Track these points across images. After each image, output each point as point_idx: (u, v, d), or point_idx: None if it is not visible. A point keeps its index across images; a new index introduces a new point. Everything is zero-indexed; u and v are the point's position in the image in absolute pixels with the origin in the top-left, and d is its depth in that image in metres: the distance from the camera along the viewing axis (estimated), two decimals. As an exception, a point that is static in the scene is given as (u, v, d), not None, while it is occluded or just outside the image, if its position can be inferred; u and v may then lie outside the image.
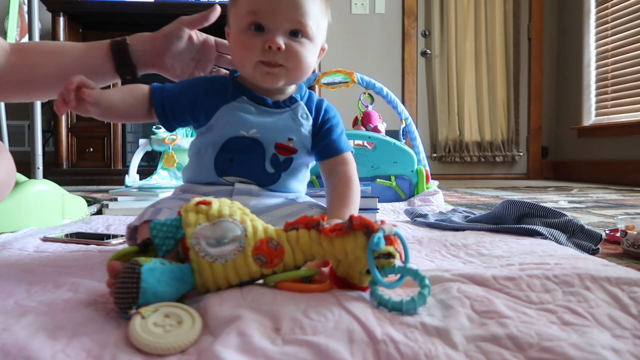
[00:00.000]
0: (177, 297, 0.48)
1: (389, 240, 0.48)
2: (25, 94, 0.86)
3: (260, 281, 0.52)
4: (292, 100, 0.75)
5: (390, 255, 0.48)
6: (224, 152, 0.72)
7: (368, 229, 0.48)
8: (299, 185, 0.79)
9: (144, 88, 0.73)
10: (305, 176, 0.80)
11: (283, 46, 0.67)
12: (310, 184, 1.65)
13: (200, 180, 0.75)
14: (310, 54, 0.71)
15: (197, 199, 0.53)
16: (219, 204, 0.53)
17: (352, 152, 0.78)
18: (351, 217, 0.49)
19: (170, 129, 0.76)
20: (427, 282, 0.48)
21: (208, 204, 0.52)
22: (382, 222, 0.49)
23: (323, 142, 0.76)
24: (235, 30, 0.71)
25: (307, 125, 0.75)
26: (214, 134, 0.73)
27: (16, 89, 0.84)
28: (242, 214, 0.53)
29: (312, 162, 0.80)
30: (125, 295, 0.45)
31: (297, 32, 0.69)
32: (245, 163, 0.72)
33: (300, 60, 0.69)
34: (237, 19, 0.70)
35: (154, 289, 0.45)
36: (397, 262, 0.50)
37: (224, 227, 0.50)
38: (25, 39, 0.80)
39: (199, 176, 0.75)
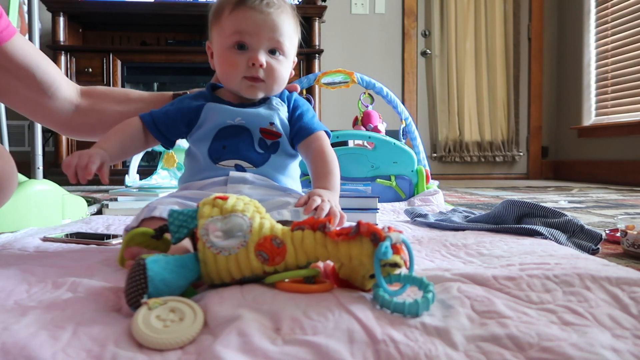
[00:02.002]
0: (186, 284, 0.49)
1: (395, 248, 0.48)
2: (93, 136, 0.94)
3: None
4: (264, 98, 0.84)
5: (396, 265, 0.48)
6: (216, 142, 0.79)
7: (375, 237, 0.48)
8: (291, 175, 0.83)
9: (135, 122, 0.81)
10: (295, 170, 0.85)
11: (265, 63, 0.78)
12: (309, 184, 1.64)
13: (197, 174, 0.80)
14: (285, 69, 0.82)
15: (217, 194, 0.55)
16: (235, 199, 0.54)
17: (327, 132, 0.84)
18: (359, 223, 0.49)
19: (170, 144, 0.84)
20: (432, 288, 0.48)
21: (225, 199, 0.54)
22: (390, 228, 0.49)
23: (296, 126, 0.82)
24: (221, 48, 0.80)
25: (283, 110, 0.83)
26: (205, 128, 0.80)
27: (85, 131, 0.93)
28: (254, 210, 0.54)
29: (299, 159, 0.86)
30: (135, 288, 0.46)
31: (275, 50, 0.80)
32: (236, 146, 0.79)
33: (278, 75, 0.80)
34: (221, 38, 0.80)
35: (162, 276, 0.47)
36: (402, 269, 0.50)
37: (232, 221, 0.51)
38: (25, 38, 0.84)
39: (196, 172, 0.80)
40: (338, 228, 0.60)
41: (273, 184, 0.79)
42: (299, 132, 0.82)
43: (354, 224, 0.50)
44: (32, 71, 0.83)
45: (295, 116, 0.83)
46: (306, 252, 0.51)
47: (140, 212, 0.72)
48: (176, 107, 0.82)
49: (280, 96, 0.85)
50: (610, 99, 3.45)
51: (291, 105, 0.85)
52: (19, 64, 0.82)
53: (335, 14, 3.69)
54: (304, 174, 1.08)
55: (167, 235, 0.57)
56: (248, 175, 0.77)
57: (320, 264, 0.57)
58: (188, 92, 0.91)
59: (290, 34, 0.80)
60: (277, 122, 0.81)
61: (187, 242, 0.62)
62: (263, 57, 0.77)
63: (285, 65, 0.81)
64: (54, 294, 0.53)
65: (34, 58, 0.84)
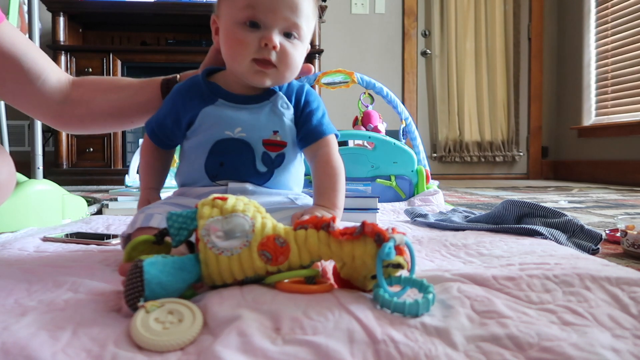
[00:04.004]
0: (185, 287, 0.49)
1: (398, 250, 0.48)
2: (84, 127, 0.91)
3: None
4: (269, 92, 0.75)
5: (399, 266, 0.48)
6: (213, 157, 0.72)
7: (379, 237, 0.48)
8: (294, 182, 0.79)
9: (149, 142, 0.80)
10: (299, 174, 0.80)
11: (278, 45, 0.69)
12: (309, 184, 1.64)
13: (194, 183, 0.75)
14: (300, 56, 0.73)
15: (216, 194, 0.54)
16: (235, 200, 0.54)
17: (336, 134, 0.77)
18: (363, 223, 0.49)
19: (173, 147, 0.81)
20: (432, 290, 0.48)
21: (224, 199, 0.53)
22: (394, 230, 0.49)
23: (304, 129, 0.75)
24: (229, 23, 0.70)
25: (288, 114, 0.75)
26: (200, 137, 0.73)
27: (74, 123, 0.89)
28: (255, 210, 0.53)
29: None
30: (133, 290, 0.46)
31: (291, 34, 0.70)
32: (235, 165, 0.72)
33: (291, 62, 0.71)
34: (231, 11, 0.70)
35: (158, 280, 0.46)
36: (403, 271, 0.50)
37: (234, 221, 0.51)
38: (13, 25, 0.82)
39: (193, 181, 0.76)
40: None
41: (275, 191, 0.75)
42: (306, 136, 0.75)
43: (354, 223, 0.50)
44: (19, 60, 0.80)
45: (303, 115, 0.75)
46: (310, 251, 0.51)
47: (135, 217, 0.70)
48: (172, 116, 0.75)
49: (288, 91, 0.76)
50: (610, 99, 3.45)
51: (302, 101, 0.76)
52: (5, 52, 0.78)
53: (335, 14, 3.69)
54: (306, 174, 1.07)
55: (168, 239, 0.57)
56: (248, 185, 0.73)
57: (320, 264, 0.57)
58: (178, 77, 0.86)
59: (308, 16, 0.71)
60: (281, 129, 0.73)
61: (182, 246, 0.61)
62: (277, 38, 0.68)
63: (300, 51, 0.72)
64: (54, 293, 0.53)
65: (22, 47, 0.80)
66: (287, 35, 0.70)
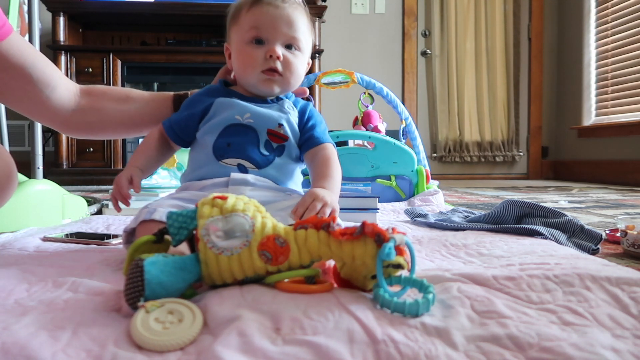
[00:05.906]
0: (185, 286, 0.49)
1: (398, 250, 0.48)
2: (93, 134, 0.95)
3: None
4: (278, 98, 0.85)
5: (399, 266, 0.48)
6: (222, 138, 0.79)
7: (379, 238, 0.48)
8: (293, 182, 0.83)
9: (156, 131, 0.85)
10: (297, 176, 0.85)
11: (281, 55, 0.80)
12: (309, 184, 1.64)
13: (199, 169, 0.79)
14: (301, 64, 0.84)
15: (215, 193, 0.54)
16: (235, 199, 0.54)
17: (333, 145, 0.85)
18: (363, 223, 0.49)
19: (187, 145, 0.85)
20: (432, 290, 0.48)
21: (224, 198, 0.53)
22: (394, 230, 0.49)
23: (307, 135, 0.83)
24: (239, 44, 0.82)
25: (293, 114, 0.84)
26: (212, 122, 0.80)
27: (84, 129, 0.93)
28: (255, 210, 0.53)
29: (303, 165, 0.86)
30: (133, 289, 0.46)
31: (291, 46, 0.82)
32: (241, 145, 0.79)
33: (294, 68, 0.82)
34: (239, 34, 0.82)
35: (158, 279, 0.46)
36: (403, 271, 0.50)
37: (234, 221, 0.51)
38: (25, 39, 0.84)
39: (200, 163, 0.80)
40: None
41: (275, 185, 0.78)
42: (308, 141, 0.82)
43: (354, 223, 0.50)
44: (29, 71, 0.82)
45: (307, 125, 0.84)
46: (310, 251, 0.51)
47: (139, 213, 0.72)
48: (190, 110, 0.83)
49: (294, 102, 0.86)
50: (610, 99, 3.45)
51: (306, 114, 0.85)
52: (15, 63, 0.81)
53: (335, 14, 3.69)
54: (304, 175, 1.08)
55: (168, 237, 0.57)
56: (250, 176, 0.76)
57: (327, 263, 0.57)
58: (189, 93, 0.90)
59: (304, 31, 0.83)
60: (286, 124, 0.81)
61: (182, 245, 0.62)
62: (280, 50, 0.79)
63: (302, 60, 0.83)
64: (54, 293, 0.53)
65: (30, 57, 0.83)
66: (289, 47, 0.81)
